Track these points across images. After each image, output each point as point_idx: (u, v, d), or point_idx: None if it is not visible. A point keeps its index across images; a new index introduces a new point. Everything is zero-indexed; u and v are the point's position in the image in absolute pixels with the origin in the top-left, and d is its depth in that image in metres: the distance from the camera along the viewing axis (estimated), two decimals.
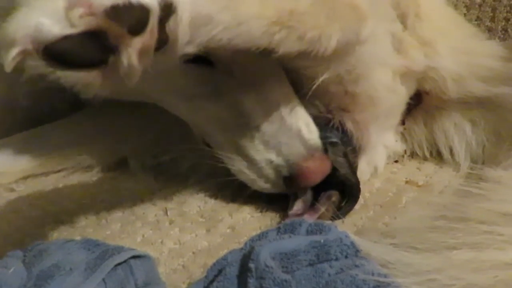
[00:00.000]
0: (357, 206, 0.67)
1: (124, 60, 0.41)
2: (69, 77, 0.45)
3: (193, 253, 0.61)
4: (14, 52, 0.39)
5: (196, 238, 0.64)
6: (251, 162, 0.64)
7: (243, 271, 0.47)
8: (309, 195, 0.65)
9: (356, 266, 0.45)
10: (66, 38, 0.39)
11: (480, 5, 0.92)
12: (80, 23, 0.39)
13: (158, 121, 0.80)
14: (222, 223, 0.67)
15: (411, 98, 0.74)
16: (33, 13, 0.39)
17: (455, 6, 0.90)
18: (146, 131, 0.82)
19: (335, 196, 0.65)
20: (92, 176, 0.82)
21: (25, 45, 0.39)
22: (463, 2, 0.93)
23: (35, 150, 0.82)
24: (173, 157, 0.80)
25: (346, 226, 0.63)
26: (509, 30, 0.90)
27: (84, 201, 0.74)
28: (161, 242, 0.63)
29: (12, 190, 0.79)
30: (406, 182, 0.74)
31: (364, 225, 0.64)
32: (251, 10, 0.46)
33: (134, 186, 0.78)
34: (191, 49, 0.45)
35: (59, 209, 0.72)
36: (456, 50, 0.72)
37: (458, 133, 0.76)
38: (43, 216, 0.71)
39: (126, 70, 0.42)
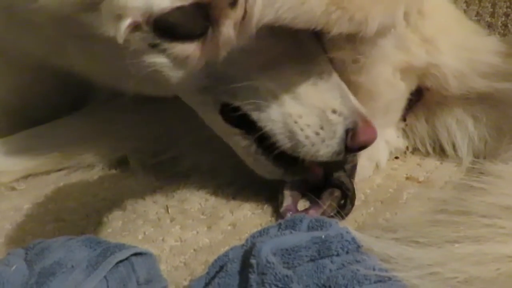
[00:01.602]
0: (358, 202, 0.68)
1: (225, 30, 0.43)
2: (172, 49, 0.45)
3: (195, 250, 0.61)
4: (125, 24, 0.41)
5: (197, 235, 0.64)
6: (315, 115, 0.59)
7: (245, 267, 0.47)
8: (296, 192, 0.65)
9: (357, 261, 0.45)
10: (177, 9, 0.41)
11: (480, 1, 0.92)
12: None
13: (159, 119, 0.80)
14: (223, 220, 0.67)
15: (412, 94, 0.74)
16: None
17: (455, 2, 0.90)
18: (147, 130, 0.82)
19: (337, 192, 0.66)
20: (93, 174, 0.82)
21: (135, 17, 0.41)
22: None
23: (36, 149, 0.82)
24: (174, 155, 0.80)
25: (347, 222, 0.63)
26: (509, 25, 0.90)
27: (85, 199, 0.74)
28: (163, 239, 0.63)
29: (13, 188, 0.80)
30: (407, 178, 0.74)
31: (365, 221, 0.64)
32: None
33: (135, 184, 0.78)
34: (258, 26, 0.46)
35: (60, 207, 0.72)
36: (458, 47, 0.72)
37: (460, 128, 0.76)
38: (44, 214, 0.71)
39: (224, 40, 0.44)
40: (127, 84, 0.59)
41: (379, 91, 0.67)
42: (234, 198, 0.71)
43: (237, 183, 0.74)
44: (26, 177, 0.81)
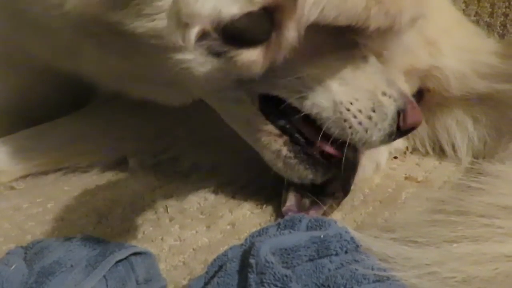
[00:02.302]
0: (356, 202, 0.68)
1: (289, 31, 0.43)
2: (239, 55, 0.44)
3: (194, 249, 0.61)
4: (194, 32, 0.40)
5: (197, 234, 0.64)
6: (367, 99, 0.57)
7: (244, 266, 0.47)
8: (299, 193, 0.65)
9: (356, 261, 0.45)
10: (246, 15, 0.41)
11: (479, 1, 0.93)
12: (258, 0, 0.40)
13: (158, 119, 0.80)
14: (222, 219, 0.67)
15: (413, 96, 0.75)
16: None
17: (454, 2, 0.91)
18: (146, 130, 0.82)
19: (338, 192, 0.66)
20: (92, 174, 0.82)
21: (204, 25, 0.40)
22: None
23: (35, 149, 0.82)
24: (173, 155, 0.80)
25: (346, 222, 0.63)
26: (507, 25, 0.90)
27: (84, 199, 0.74)
28: (162, 239, 0.64)
29: (12, 188, 0.79)
30: (406, 178, 0.74)
31: (364, 221, 0.64)
32: None
33: (134, 183, 0.78)
34: (305, 26, 0.46)
35: (59, 207, 0.72)
36: (459, 49, 0.73)
37: (460, 129, 0.76)
38: (43, 213, 0.71)
39: (288, 42, 0.43)
40: (138, 86, 0.59)
41: None
42: (233, 197, 0.71)
43: (237, 182, 0.74)
44: (25, 176, 0.81)
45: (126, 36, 0.49)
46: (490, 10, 0.91)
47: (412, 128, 0.61)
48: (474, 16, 0.92)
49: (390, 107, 0.58)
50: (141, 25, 0.49)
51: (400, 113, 0.59)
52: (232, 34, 0.42)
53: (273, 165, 0.62)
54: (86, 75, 0.66)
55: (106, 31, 0.51)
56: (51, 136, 0.83)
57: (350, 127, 0.57)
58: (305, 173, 0.62)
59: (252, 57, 0.45)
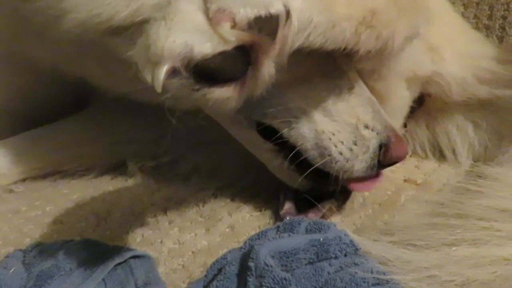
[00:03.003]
0: (356, 205, 0.68)
1: (265, 68, 0.41)
2: (212, 93, 0.42)
3: (193, 252, 0.61)
4: (163, 71, 0.38)
5: (196, 237, 0.64)
6: (348, 132, 0.58)
7: (243, 270, 0.47)
8: (297, 195, 0.65)
9: (355, 264, 0.45)
10: (219, 54, 0.39)
11: (477, 3, 0.93)
12: (231, 38, 0.38)
13: (158, 123, 0.80)
14: (221, 222, 0.67)
15: (414, 101, 0.75)
16: (175, 29, 0.38)
17: (453, 4, 0.91)
18: (146, 133, 0.82)
19: (338, 195, 0.66)
20: (92, 177, 0.82)
21: (174, 63, 0.38)
22: (460, 0, 0.93)
23: (34, 152, 0.82)
24: (173, 158, 0.80)
25: (345, 225, 0.63)
26: (506, 28, 0.90)
27: (83, 201, 0.74)
28: (161, 242, 0.63)
29: (11, 191, 0.79)
30: (405, 180, 0.74)
31: (363, 224, 0.64)
32: (343, 11, 0.47)
33: (134, 186, 0.78)
34: (289, 53, 0.45)
35: (58, 210, 0.72)
36: (461, 55, 0.74)
37: (460, 134, 0.76)
38: (42, 216, 0.71)
39: (264, 78, 0.42)
40: (150, 97, 0.58)
41: (389, 98, 0.67)
42: (232, 200, 0.71)
43: (236, 185, 0.74)
44: (24, 179, 0.81)
45: (124, 61, 0.49)
46: (489, 12, 0.91)
47: (395, 162, 0.62)
48: (473, 18, 0.92)
49: (372, 140, 0.59)
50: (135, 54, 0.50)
51: (382, 147, 0.59)
52: (204, 73, 0.40)
53: (278, 175, 0.64)
54: (91, 80, 0.66)
55: (105, 54, 0.51)
56: (50, 139, 0.83)
57: (329, 155, 0.58)
58: (308, 183, 0.63)
59: (225, 94, 0.43)
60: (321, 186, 0.63)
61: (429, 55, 0.70)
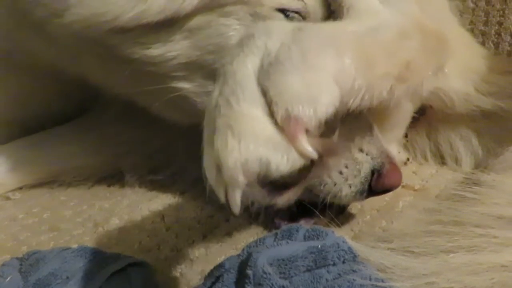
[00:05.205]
0: (354, 211, 0.68)
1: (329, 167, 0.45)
2: (281, 200, 0.43)
3: (190, 260, 0.61)
4: (239, 193, 0.37)
5: (193, 244, 0.64)
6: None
7: (241, 277, 0.47)
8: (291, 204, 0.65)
9: (354, 271, 0.45)
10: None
11: (473, 10, 0.93)
12: (311, 153, 0.37)
13: (157, 134, 0.80)
14: (219, 229, 0.67)
15: (415, 112, 0.75)
16: (246, 143, 0.36)
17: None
18: (145, 145, 0.82)
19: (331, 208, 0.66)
20: (89, 184, 0.81)
21: (249, 179, 0.37)
22: (456, 7, 0.94)
23: (31, 161, 0.81)
24: (172, 172, 0.79)
25: (343, 231, 0.63)
26: (502, 34, 0.91)
27: (80, 209, 0.74)
28: (158, 249, 0.63)
29: (8, 198, 0.79)
30: (403, 186, 0.74)
31: (361, 230, 0.64)
32: (382, 70, 0.45)
33: (131, 193, 0.77)
34: None
35: (55, 217, 0.72)
36: (464, 69, 0.73)
37: (464, 143, 0.77)
38: (39, 223, 0.71)
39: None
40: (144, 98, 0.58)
41: (392, 110, 0.67)
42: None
43: None
44: (20, 187, 0.81)
45: (124, 59, 0.49)
46: (485, 19, 0.92)
47: (387, 190, 0.60)
48: (469, 25, 0.93)
49: (365, 164, 0.57)
50: (137, 52, 0.49)
51: (375, 172, 0.58)
52: (276, 185, 0.40)
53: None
54: (90, 78, 0.66)
55: (105, 51, 0.51)
56: (49, 148, 0.82)
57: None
58: (309, 196, 0.61)
59: (292, 197, 0.44)
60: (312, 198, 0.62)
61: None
